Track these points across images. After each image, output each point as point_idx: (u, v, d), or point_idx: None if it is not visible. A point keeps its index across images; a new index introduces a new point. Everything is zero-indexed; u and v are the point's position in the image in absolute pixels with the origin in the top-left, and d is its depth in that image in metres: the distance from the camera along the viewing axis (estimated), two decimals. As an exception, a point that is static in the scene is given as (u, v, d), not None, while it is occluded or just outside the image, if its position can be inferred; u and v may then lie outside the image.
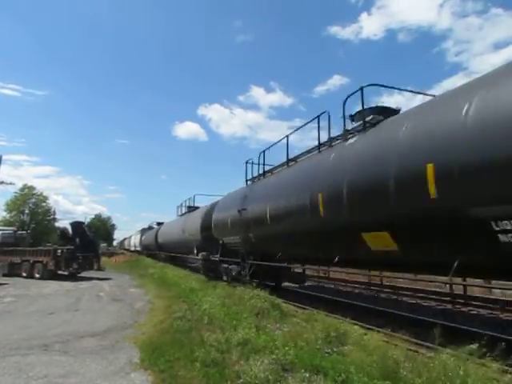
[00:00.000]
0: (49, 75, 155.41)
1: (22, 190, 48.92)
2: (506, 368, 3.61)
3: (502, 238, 3.83)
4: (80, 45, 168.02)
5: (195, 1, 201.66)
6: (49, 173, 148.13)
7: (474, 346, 3.67)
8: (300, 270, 12.40)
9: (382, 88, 7.30)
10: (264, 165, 11.34)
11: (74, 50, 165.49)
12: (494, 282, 7.80)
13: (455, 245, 4.55)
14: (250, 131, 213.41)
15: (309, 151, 9.01)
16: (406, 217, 4.98)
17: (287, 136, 9.85)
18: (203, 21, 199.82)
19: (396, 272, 7.86)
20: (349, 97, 7.06)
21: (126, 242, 67.27)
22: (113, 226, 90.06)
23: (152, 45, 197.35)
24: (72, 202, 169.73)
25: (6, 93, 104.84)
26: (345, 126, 7.23)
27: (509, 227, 3.71)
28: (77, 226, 20.16)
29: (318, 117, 8.22)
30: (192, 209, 21.62)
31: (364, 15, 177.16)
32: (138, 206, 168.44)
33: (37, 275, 17.32)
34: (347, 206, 6.05)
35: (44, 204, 51.34)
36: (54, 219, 51.74)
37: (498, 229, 3.82)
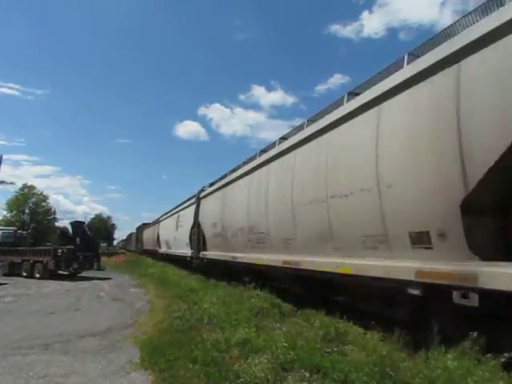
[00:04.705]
0: (48, 74, 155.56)
1: (21, 189, 49.03)
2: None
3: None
4: (80, 43, 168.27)
5: None
6: (49, 172, 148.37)
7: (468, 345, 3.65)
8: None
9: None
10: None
11: (73, 48, 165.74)
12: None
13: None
14: (251, 130, 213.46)
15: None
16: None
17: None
18: (203, 19, 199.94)
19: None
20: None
21: (143, 235, 39.11)
22: (113, 225, 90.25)
23: (152, 44, 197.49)
24: (72, 202, 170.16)
25: (5, 92, 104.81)
26: None
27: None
28: (77, 225, 20.18)
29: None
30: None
31: (365, 13, 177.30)
32: (138, 205, 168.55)
33: (37, 275, 17.32)
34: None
35: (44, 204, 51.53)
36: (55, 219, 51.95)
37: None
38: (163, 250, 25.82)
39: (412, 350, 4.30)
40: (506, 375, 3.25)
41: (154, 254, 30.94)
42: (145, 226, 40.97)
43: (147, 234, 36.81)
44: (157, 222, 30.94)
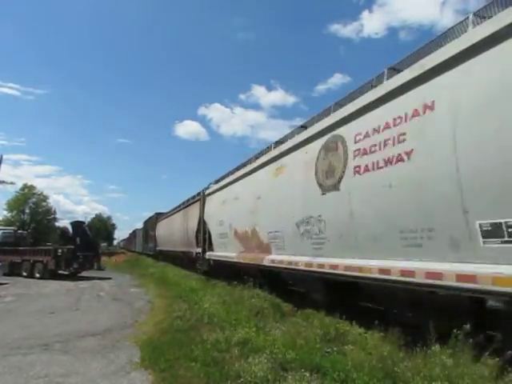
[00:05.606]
0: (48, 74, 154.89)
1: (21, 189, 49.06)
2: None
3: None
4: (79, 43, 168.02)
5: None
6: (49, 172, 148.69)
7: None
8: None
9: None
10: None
11: (73, 48, 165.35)
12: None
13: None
14: (252, 130, 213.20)
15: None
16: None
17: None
18: (203, 19, 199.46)
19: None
20: None
21: (157, 230, 28.05)
22: (113, 225, 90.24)
23: (151, 43, 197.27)
24: (72, 202, 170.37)
25: (5, 91, 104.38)
26: None
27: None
28: (77, 225, 20.18)
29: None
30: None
31: (365, 13, 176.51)
32: (138, 205, 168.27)
33: (37, 275, 17.33)
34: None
35: (44, 204, 51.57)
36: (55, 219, 51.95)
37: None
38: (229, 254, 11.32)
39: (412, 350, 4.30)
40: (503, 372, 3.26)
41: (181, 260, 19.59)
42: (159, 216, 28.62)
43: (167, 227, 24.01)
44: (198, 197, 15.86)
